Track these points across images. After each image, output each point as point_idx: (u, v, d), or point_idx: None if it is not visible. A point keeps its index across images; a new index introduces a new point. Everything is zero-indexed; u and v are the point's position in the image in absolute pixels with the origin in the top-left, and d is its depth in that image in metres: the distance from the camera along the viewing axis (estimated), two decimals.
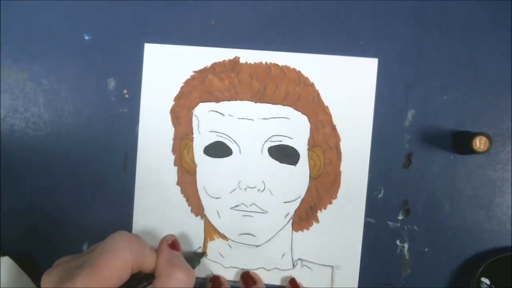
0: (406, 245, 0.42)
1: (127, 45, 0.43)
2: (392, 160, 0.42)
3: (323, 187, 0.42)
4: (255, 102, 0.42)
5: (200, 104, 0.42)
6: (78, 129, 0.44)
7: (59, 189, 0.44)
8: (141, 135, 0.43)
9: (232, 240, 0.43)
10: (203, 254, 0.43)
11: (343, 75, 0.42)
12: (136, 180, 0.43)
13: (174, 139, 0.43)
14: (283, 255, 0.42)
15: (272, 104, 0.42)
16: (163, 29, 0.43)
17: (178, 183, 0.43)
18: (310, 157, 0.42)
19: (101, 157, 0.43)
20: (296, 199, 0.42)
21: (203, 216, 0.43)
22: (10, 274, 0.42)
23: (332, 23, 0.42)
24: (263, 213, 0.42)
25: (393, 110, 0.42)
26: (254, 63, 0.42)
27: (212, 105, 0.42)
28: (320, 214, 0.42)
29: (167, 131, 0.43)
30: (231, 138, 0.42)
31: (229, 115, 0.42)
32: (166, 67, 0.43)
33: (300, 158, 0.42)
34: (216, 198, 0.42)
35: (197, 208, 0.43)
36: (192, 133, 0.43)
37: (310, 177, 0.42)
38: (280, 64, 0.42)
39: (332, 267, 0.42)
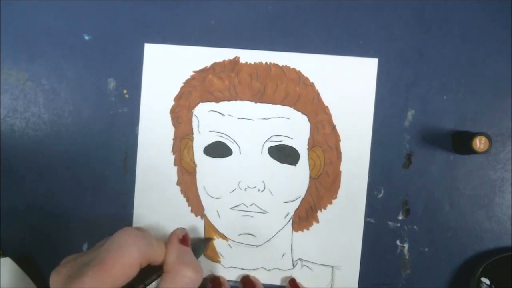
0: (406, 245, 0.42)
1: (127, 45, 0.43)
2: (392, 160, 0.42)
3: (323, 187, 0.42)
4: (255, 102, 0.42)
5: (200, 104, 0.42)
6: (78, 129, 0.44)
7: (59, 189, 0.44)
8: (141, 135, 0.43)
9: (232, 240, 0.43)
10: (209, 240, 0.43)
11: (343, 75, 0.42)
12: (136, 180, 0.43)
13: (174, 139, 0.43)
14: (283, 255, 0.42)
15: (272, 104, 0.42)
16: (163, 29, 0.43)
17: (178, 183, 0.43)
18: (310, 157, 0.42)
19: (101, 157, 0.43)
20: (296, 199, 0.42)
21: (203, 216, 0.43)
22: (11, 274, 0.42)
23: (332, 23, 0.42)
24: (263, 213, 0.42)
25: (393, 110, 0.42)
26: (254, 63, 0.42)
27: (212, 105, 0.42)
28: (320, 214, 0.42)
29: (167, 131, 0.43)
30: (231, 138, 0.42)
31: (229, 115, 0.42)
32: (166, 67, 0.43)
33: (300, 158, 0.42)
34: (216, 198, 0.42)
35: (197, 208, 0.43)
36: (192, 133, 0.43)
37: (310, 177, 0.42)
38: (280, 64, 0.42)
39: (332, 267, 0.42)
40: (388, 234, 0.42)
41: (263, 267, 0.43)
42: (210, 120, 0.42)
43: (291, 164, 0.42)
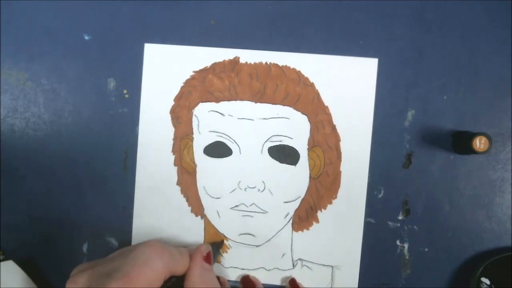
0: (406, 245, 0.42)
1: (127, 45, 0.43)
2: (392, 160, 0.42)
3: (323, 187, 0.42)
4: (255, 102, 0.42)
5: (200, 104, 0.42)
6: (78, 129, 0.44)
7: (59, 189, 0.44)
8: (141, 135, 0.43)
9: (232, 240, 0.43)
10: (221, 243, 0.43)
11: (343, 75, 0.42)
12: (136, 180, 0.43)
13: (174, 139, 0.43)
14: (283, 255, 0.42)
15: (272, 104, 0.42)
16: (163, 29, 0.43)
17: (178, 183, 0.43)
18: (310, 157, 0.42)
19: (101, 157, 0.43)
20: (296, 199, 0.42)
21: (203, 216, 0.43)
22: (14, 277, 0.41)
23: (332, 23, 0.42)
24: (263, 213, 0.42)
25: (393, 110, 0.42)
26: (254, 63, 0.42)
27: (212, 105, 0.42)
28: (320, 214, 0.42)
29: (167, 131, 0.43)
30: (231, 138, 0.42)
31: (229, 115, 0.42)
32: (166, 67, 0.43)
33: (300, 158, 0.42)
34: (216, 198, 0.42)
35: (197, 208, 0.43)
36: (192, 133, 0.43)
37: (310, 177, 0.42)
38: (280, 64, 0.42)
39: (332, 267, 0.42)
40: (388, 234, 0.42)
41: (263, 267, 0.43)
42: (210, 120, 0.42)
43: (291, 164, 0.42)
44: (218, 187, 0.42)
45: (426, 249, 0.42)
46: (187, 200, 0.43)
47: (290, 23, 0.42)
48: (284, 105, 0.42)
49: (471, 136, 0.38)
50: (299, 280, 0.42)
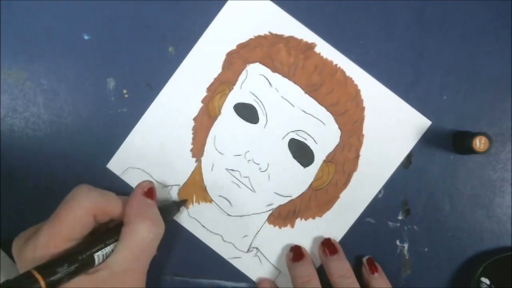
0: (406, 245, 0.42)
1: (127, 45, 0.43)
2: None
3: (316, 201, 0.42)
4: (305, 92, 0.41)
5: (257, 63, 0.42)
6: (78, 129, 0.44)
7: (59, 189, 0.44)
8: (187, 63, 0.42)
9: (210, 197, 0.42)
10: (183, 202, 0.42)
11: (393, 117, 0.41)
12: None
13: (216, 79, 0.42)
14: (244, 236, 0.42)
15: (319, 103, 0.41)
16: (163, 29, 0.43)
17: (195, 119, 0.42)
18: (321, 169, 0.42)
19: (101, 157, 0.43)
20: (287, 196, 0.42)
21: (199, 160, 0.43)
22: (6, 270, 0.41)
23: (332, 23, 0.42)
24: (251, 190, 0.42)
25: None
26: (326, 58, 0.41)
27: (267, 71, 0.42)
28: (298, 222, 0.42)
29: (214, 70, 0.42)
30: (265, 109, 0.42)
31: (276, 89, 0.41)
32: (243, 20, 0.42)
33: (312, 164, 0.42)
34: (220, 153, 0.42)
35: (197, 150, 0.42)
36: (234, 84, 0.42)
37: (311, 185, 0.42)
38: (347, 73, 0.41)
39: (280, 271, 0.43)
40: (388, 234, 0.42)
41: (221, 235, 0.42)
42: (257, 82, 0.42)
43: (301, 165, 0.42)
44: (227, 145, 0.42)
45: (426, 249, 0.42)
46: (193, 138, 0.42)
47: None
48: (328, 110, 0.41)
49: (471, 136, 0.38)
50: (246, 266, 0.42)
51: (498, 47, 0.41)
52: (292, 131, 0.42)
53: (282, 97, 0.41)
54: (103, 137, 0.43)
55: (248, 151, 0.42)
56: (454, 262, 0.42)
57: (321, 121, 0.41)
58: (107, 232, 0.36)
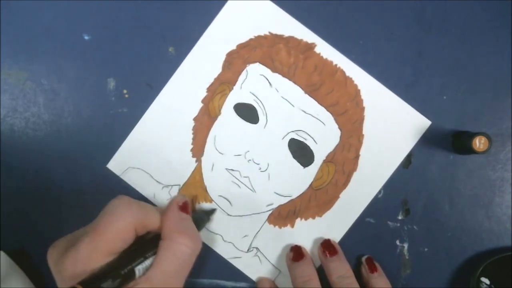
0: (406, 245, 0.42)
1: (127, 45, 0.43)
2: None
3: (316, 201, 0.42)
4: (305, 92, 0.41)
5: (257, 63, 0.42)
6: (78, 129, 0.44)
7: (59, 189, 0.44)
8: (187, 62, 0.42)
9: (210, 198, 0.42)
10: (212, 211, 0.43)
11: (393, 117, 0.41)
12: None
13: (216, 79, 0.42)
14: (244, 236, 0.43)
15: (318, 103, 0.41)
16: (163, 29, 0.43)
17: (195, 119, 0.43)
18: (321, 169, 0.42)
19: (101, 157, 0.43)
20: (287, 196, 0.42)
21: (199, 160, 0.43)
22: (5, 269, 0.41)
23: (332, 23, 0.42)
24: (251, 190, 0.42)
25: None
26: (326, 58, 0.42)
27: (266, 71, 0.42)
28: (298, 222, 0.42)
29: (213, 70, 0.42)
30: (265, 109, 0.42)
31: (276, 89, 0.42)
32: (243, 20, 0.42)
33: (312, 164, 0.42)
34: (220, 153, 0.42)
35: (197, 150, 0.42)
36: (234, 84, 0.42)
37: (311, 185, 0.42)
38: (347, 73, 0.41)
39: (280, 271, 0.43)
40: (388, 234, 0.42)
41: (221, 235, 0.43)
42: (257, 82, 0.42)
43: (301, 165, 0.42)
44: (227, 145, 0.42)
45: (426, 249, 0.42)
46: (193, 138, 0.43)
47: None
48: (328, 110, 0.41)
49: (471, 136, 0.38)
50: (246, 266, 0.42)
51: (498, 47, 0.41)
52: (292, 131, 0.42)
53: (282, 97, 0.42)
54: (103, 137, 0.43)
55: (248, 151, 0.42)
56: (453, 262, 0.42)
57: (321, 121, 0.41)
58: (145, 244, 0.36)
